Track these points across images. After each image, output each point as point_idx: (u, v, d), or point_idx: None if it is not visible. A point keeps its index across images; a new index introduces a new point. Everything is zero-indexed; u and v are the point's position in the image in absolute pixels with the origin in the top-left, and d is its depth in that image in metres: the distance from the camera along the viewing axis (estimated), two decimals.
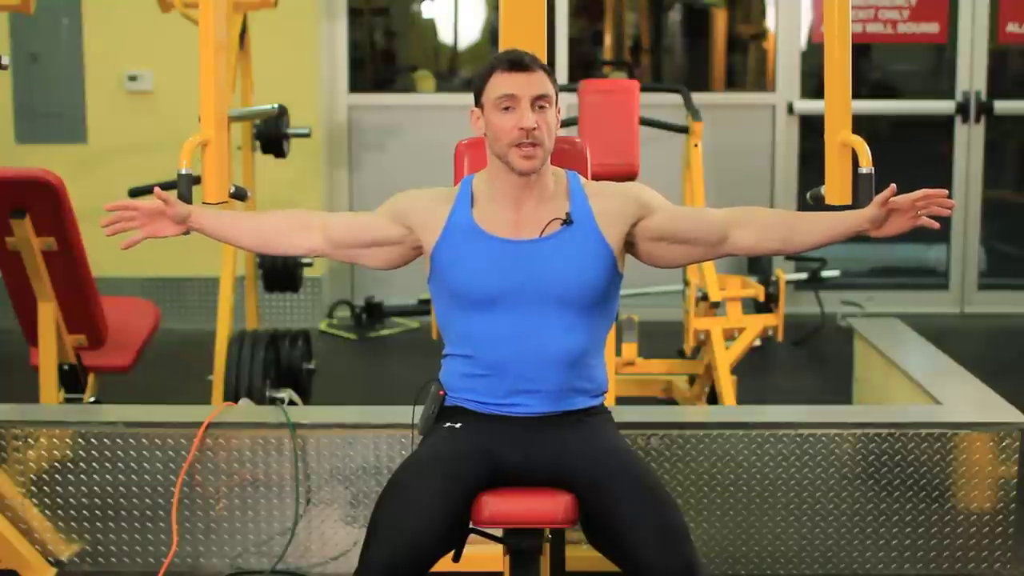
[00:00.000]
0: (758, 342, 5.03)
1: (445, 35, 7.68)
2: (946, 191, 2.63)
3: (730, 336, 4.77)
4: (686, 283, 4.85)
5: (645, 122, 4.63)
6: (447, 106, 7.00)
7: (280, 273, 5.17)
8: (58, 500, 3.61)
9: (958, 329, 6.76)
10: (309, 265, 5.30)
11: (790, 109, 6.96)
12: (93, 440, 3.59)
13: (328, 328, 6.69)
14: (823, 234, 2.66)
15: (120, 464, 3.59)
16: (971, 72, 6.95)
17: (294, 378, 4.76)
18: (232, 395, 4.41)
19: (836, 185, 2.99)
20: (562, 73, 6.87)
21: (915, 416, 3.66)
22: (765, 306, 5.22)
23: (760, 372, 5.68)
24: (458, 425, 2.65)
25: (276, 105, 4.68)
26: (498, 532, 2.61)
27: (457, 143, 2.97)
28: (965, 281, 7.10)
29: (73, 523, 3.62)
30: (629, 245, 2.72)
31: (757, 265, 6.42)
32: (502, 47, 3.05)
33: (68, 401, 4.13)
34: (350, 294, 6.99)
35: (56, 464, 3.60)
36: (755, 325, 4.83)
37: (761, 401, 4.88)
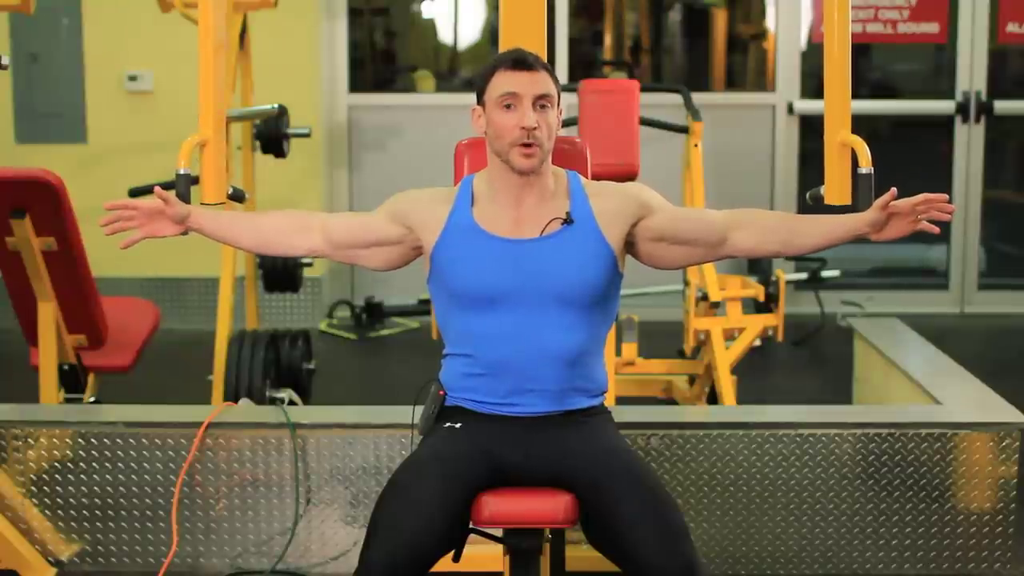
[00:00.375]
0: (758, 342, 5.03)
1: (445, 35, 7.68)
2: (946, 196, 2.62)
3: (730, 336, 4.77)
4: (686, 283, 4.85)
5: (645, 122, 4.63)
6: (447, 106, 7.00)
7: (280, 273, 5.17)
8: (58, 500, 3.61)
9: (958, 329, 6.76)
10: (309, 265, 5.30)
11: (790, 109, 6.97)
12: (93, 440, 3.59)
13: (328, 328, 6.69)
14: (823, 237, 2.66)
15: (120, 464, 3.59)
16: (971, 72, 6.96)
17: (294, 378, 4.76)
18: (232, 395, 4.41)
19: (835, 185, 2.99)
20: (562, 73, 6.87)
21: (915, 416, 3.66)
22: (765, 306, 5.23)
23: (760, 372, 5.68)
24: (458, 425, 2.65)
25: (276, 105, 4.68)
26: (498, 532, 2.61)
27: (457, 143, 2.97)
28: (965, 281, 7.10)
29: (73, 523, 3.62)
30: (629, 245, 2.72)
31: (757, 265, 6.42)
32: (502, 47, 3.05)
33: (68, 401, 4.13)
34: (350, 294, 6.99)
35: (56, 464, 3.60)
36: (755, 325, 4.83)
37: (761, 401, 4.87)
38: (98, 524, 3.62)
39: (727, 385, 4.51)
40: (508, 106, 2.61)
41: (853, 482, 3.59)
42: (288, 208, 2.87)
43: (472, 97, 2.72)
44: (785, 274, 5.32)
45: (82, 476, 3.60)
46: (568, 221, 2.66)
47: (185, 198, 2.91)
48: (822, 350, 6.31)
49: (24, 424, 3.61)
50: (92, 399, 4.19)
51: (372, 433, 3.57)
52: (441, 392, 2.71)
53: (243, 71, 5.14)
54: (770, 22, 7.20)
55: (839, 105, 2.99)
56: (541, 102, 2.61)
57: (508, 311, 2.62)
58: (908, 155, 7.18)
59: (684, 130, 5.02)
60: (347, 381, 5.76)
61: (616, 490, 2.48)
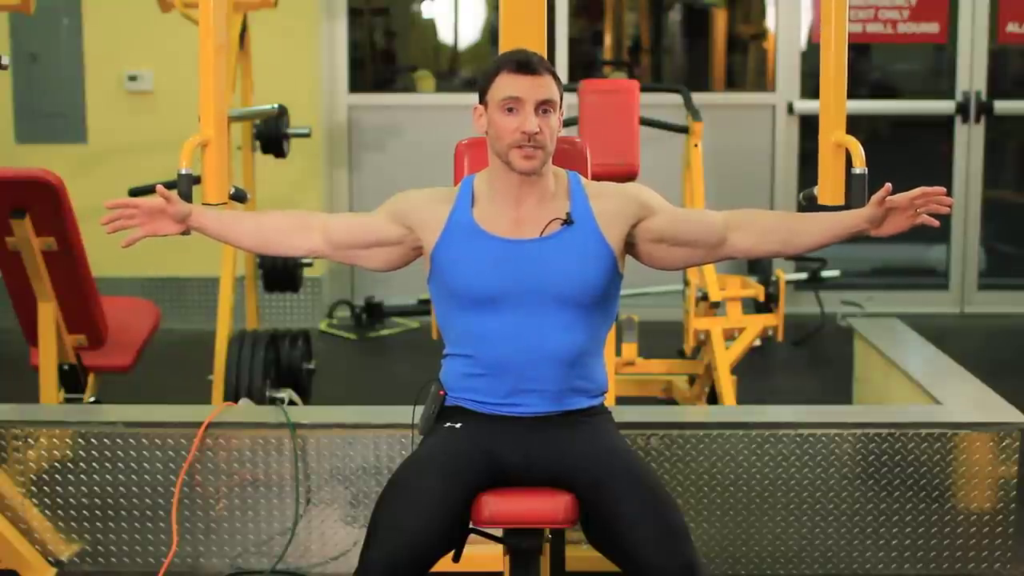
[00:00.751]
0: (758, 342, 5.03)
1: (445, 35, 7.68)
2: (944, 189, 2.62)
3: (730, 336, 4.77)
4: (686, 283, 4.85)
5: (645, 122, 4.63)
6: (447, 106, 7.00)
7: (280, 273, 5.17)
8: (58, 500, 3.61)
9: (958, 329, 6.76)
10: (309, 265, 5.30)
11: (790, 109, 6.97)
12: (93, 440, 3.59)
13: (328, 328, 6.69)
14: (822, 235, 2.66)
15: (120, 464, 3.59)
16: (971, 72, 6.96)
17: (294, 378, 4.76)
18: (232, 395, 4.41)
19: (829, 185, 2.99)
20: (562, 73, 6.87)
21: (915, 416, 3.66)
22: (765, 306, 5.23)
23: (760, 372, 5.68)
24: (458, 425, 2.65)
25: (276, 105, 4.68)
26: (498, 532, 2.61)
27: (457, 143, 2.97)
28: (965, 281, 7.10)
29: (73, 523, 3.62)
30: (629, 246, 2.72)
31: (757, 265, 6.42)
32: (502, 47, 3.05)
33: (68, 401, 4.13)
34: (350, 294, 6.99)
35: (56, 464, 3.60)
36: (755, 325, 4.83)
37: (761, 401, 4.87)
38: (98, 524, 3.62)
39: (727, 385, 4.51)
40: (510, 109, 2.60)
41: (853, 482, 3.59)
42: (288, 208, 2.87)
43: (473, 97, 2.72)
44: (785, 274, 5.32)
45: (82, 476, 3.60)
46: (568, 222, 2.66)
47: (187, 198, 2.91)
48: (822, 350, 6.31)
49: (24, 424, 3.61)
50: (92, 399, 4.19)
51: (372, 433, 3.57)
52: (441, 392, 2.71)
53: (243, 71, 5.14)
54: (770, 22, 7.20)
55: (834, 105, 3.00)
56: (543, 107, 2.61)
57: (508, 311, 2.62)
58: (908, 155, 7.18)
59: (684, 130, 5.02)
60: (347, 381, 5.76)
61: (616, 490, 2.48)
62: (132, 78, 6.63)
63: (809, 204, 3.01)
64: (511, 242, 2.65)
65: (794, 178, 6.99)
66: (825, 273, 6.62)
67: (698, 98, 5.21)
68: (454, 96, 7.18)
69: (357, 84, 7.02)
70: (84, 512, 3.62)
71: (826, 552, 3.60)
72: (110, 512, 3.61)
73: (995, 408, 3.72)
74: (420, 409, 2.75)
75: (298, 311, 6.68)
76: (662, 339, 5.66)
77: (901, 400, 4.19)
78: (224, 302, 4.66)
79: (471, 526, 2.56)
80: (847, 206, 2.93)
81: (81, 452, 3.59)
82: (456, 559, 2.59)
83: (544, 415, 2.65)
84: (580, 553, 3.10)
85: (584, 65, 7.43)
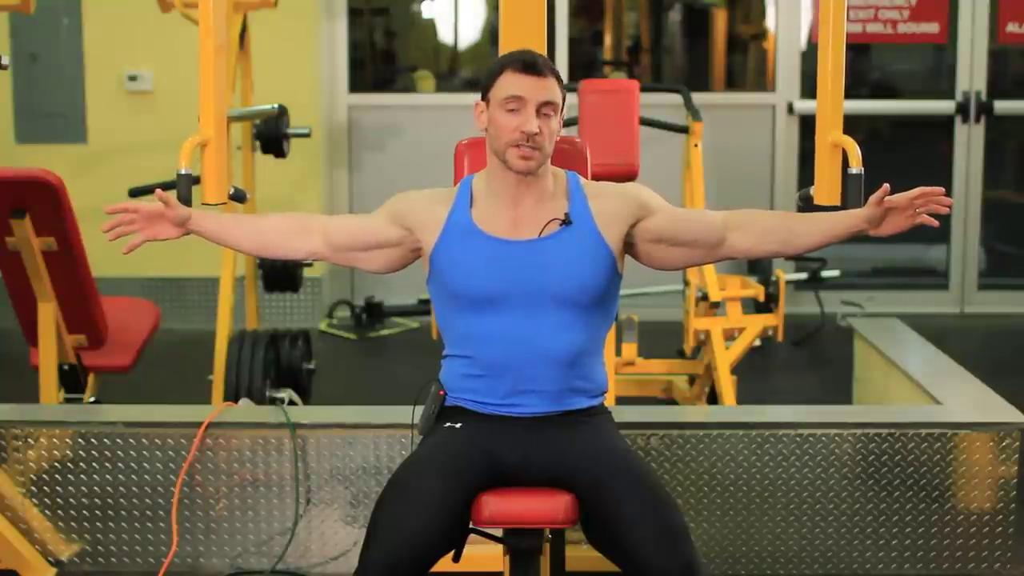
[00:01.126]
0: (758, 342, 5.03)
1: (445, 35, 7.68)
2: (943, 189, 2.62)
3: (730, 336, 4.77)
4: (686, 283, 4.86)
5: (645, 122, 4.63)
6: (447, 106, 7.00)
7: (280, 273, 5.17)
8: (58, 500, 3.61)
9: (958, 329, 6.76)
10: (309, 265, 5.30)
11: (790, 109, 6.97)
12: (93, 440, 3.59)
13: (328, 328, 6.69)
14: (821, 235, 2.66)
15: (120, 464, 3.59)
16: (971, 72, 6.96)
17: (294, 378, 4.76)
18: (232, 395, 4.41)
19: (826, 185, 2.99)
20: (562, 73, 6.87)
21: (915, 416, 3.66)
22: (765, 306, 5.23)
23: (760, 372, 5.68)
24: (458, 425, 2.65)
25: (276, 105, 4.68)
26: (498, 532, 2.61)
27: (457, 143, 2.97)
28: (965, 281, 7.10)
29: (73, 523, 3.62)
30: (628, 246, 2.72)
31: (757, 265, 6.42)
32: (502, 47, 3.05)
33: (68, 401, 4.13)
34: (350, 294, 6.99)
35: (56, 464, 3.60)
36: (755, 325, 4.83)
37: (761, 401, 4.87)
38: (98, 524, 3.62)
39: (727, 385, 4.51)
40: (512, 109, 2.60)
41: (853, 482, 3.59)
42: (288, 208, 2.87)
43: (473, 97, 2.71)
44: (785, 274, 5.32)
45: (82, 476, 3.60)
46: (566, 222, 2.66)
47: (187, 199, 2.91)
48: (822, 350, 6.31)
49: (24, 424, 3.61)
50: (92, 399, 4.19)
51: (372, 433, 3.57)
52: (441, 392, 2.71)
53: (243, 71, 5.14)
54: (770, 22, 7.20)
55: (831, 106, 3.00)
56: (545, 109, 2.61)
57: (507, 312, 2.62)
58: (908, 155, 7.17)
59: (684, 130, 5.02)
60: (347, 381, 5.76)
61: (616, 490, 2.48)
62: (132, 78, 6.63)
63: (805, 204, 3.01)
64: (509, 242, 2.65)
65: (794, 178, 6.99)
66: (825, 273, 6.63)
67: (698, 98, 5.21)
68: (454, 96, 7.18)
69: (357, 84, 7.02)
70: (84, 512, 3.62)
71: (826, 552, 3.60)
72: (110, 512, 3.61)
73: (995, 408, 3.72)
74: (420, 409, 2.75)
75: (298, 311, 6.68)
76: (662, 339, 5.66)
77: (901, 400, 4.19)
78: (224, 302, 4.66)
79: (471, 526, 2.56)
80: (843, 206, 2.93)
81: (81, 452, 3.59)
82: (456, 559, 2.59)
83: (544, 415, 2.65)
84: (580, 553, 3.10)
85: (584, 65, 7.43)
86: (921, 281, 7.32)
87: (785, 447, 3.58)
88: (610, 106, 4.13)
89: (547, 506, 2.54)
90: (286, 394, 4.47)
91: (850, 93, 3.07)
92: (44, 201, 3.73)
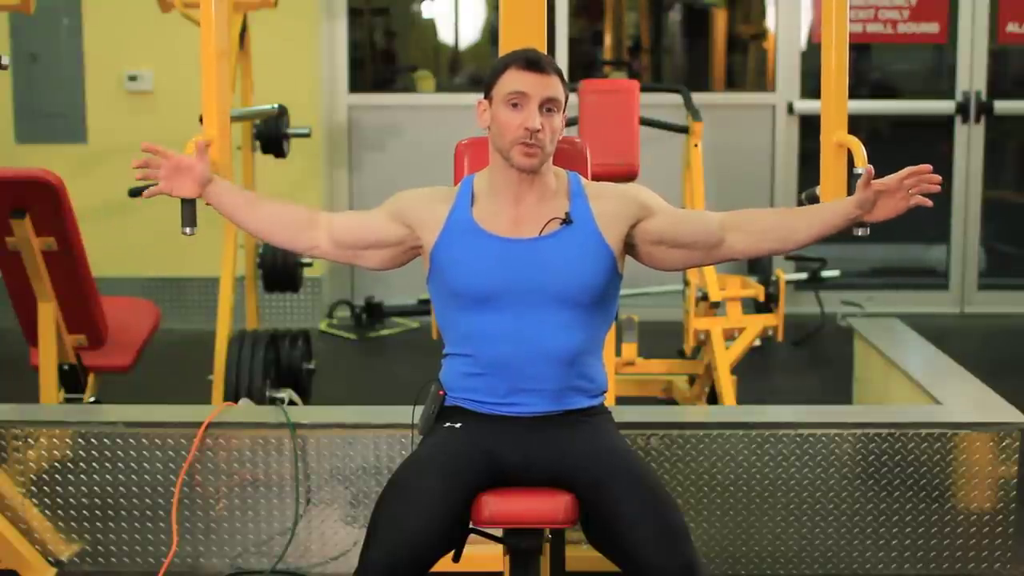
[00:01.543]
0: (758, 342, 5.02)
1: (445, 35, 7.68)
2: (930, 166, 2.61)
3: (730, 336, 4.77)
4: (686, 283, 4.86)
5: (645, 122, 4.63)
6: (447, 106, 7.00)
7: (280, 273, 5.17)
8: (58, 500, 3.61)
9: (958, 329, 6.76)
10: (309, 265, 5.30)
11: (790, 109, 6.97)
12: (93, 440, 3.59)
13: (328, 328, 6.69)
14: (820, 227, 2.66)
15: (120, 464, 3.59)
16: (971, 72, 6.96)
17: (294, 378, 4.76)
18: (232, 395, 4.41)
19: (831, 185, 3.00)
20: None
21: (915, 416, 3.66)
22: (765, 306, 5.23)
23: (760, 372, 5.68)
24: (458, 425, 2.65)
25: (276, 105, 4.68)
26: (498, 532, 2.61)
27: (457, 143, 2.97)
28: (965, 281, 7.10)
29: (73, 523, 3.62)
30: (629, 247, 2.72)
31: (757, 265, 6.42)
32: (502, 47, 3.05)
33: (68, 401, 4.13)
34: (350, 294, 6.99)
35: (56, 464, 3.60)
36: (755, 325, 4.83)
37: (761, 401, 4.88)
38: (98, 524, 3.62)
39: (727, 385, 4.51)
40: (515, 105, 2.61)
41: (853, 482, 3.59)
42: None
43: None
44: (785, 274, 5.32)
45: (82, 476, 3.60)
46: (567, 221, 2.66)
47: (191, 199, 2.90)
48: (822, 350, 6.31)
49: (24, 424, 3.61)
50: (92, 399, 4.19)
51: (372, 433, 3.57)
52: (441, 392, 2.71)
53: (243, 71, 5.14)
54: (770, 22, 7.20)
55: (836, 105, 3.00)
56: (548, 105, 2.61)
57: (506, 310, 2.63)
58: (908, 155, 7.12)
59: (684, 130, 5.02)
60: (347, 381, 5.77)
61: (616, 490, 2.48)
62: (132, 78, 6.63)
63: (811, 204, 3.01)
64: (510, 241, 2.65)
65: (794, 178, 6.99)
66: (825, 273, 6.62)
67: (698, 98, 5.21)
68: (454, 96, 7.18)
69: (357, 84, 7.03)
70: (84, 512, 3.62)
71: (826, 552, 3.60)
72: (110, 512, 3.61)
73: (995, 408, 3.72)
74: (420, 409, 2.75)
75: (298, 311, 6.68)
76: (662, 339, 5.66)
77: (901, 400, 4.19)
78: (224, 302, 4.66)
79: (471, 526, 2.56)
80: None
81: (81, 452, 3.59)
82: (456, 559, 2.59)
83: (544, 415, 2.65)
84: (580, 553, 3.10)
85: (584, 65, 7.43)
86: (921, 281, 7.32)
87: (785, 447, 3.58)
88: (610, 106, 4.13)
89: (547, 506, 2.54)
90: (286, 394, 4.47)
91: (850, 93, 3.07)
92: (44, 201, 3.73)
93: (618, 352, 4.69)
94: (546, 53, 2.90)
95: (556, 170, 2.73)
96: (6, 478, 3.58)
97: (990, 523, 3.59)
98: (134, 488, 3.60)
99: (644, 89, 4.39)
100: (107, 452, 3.59)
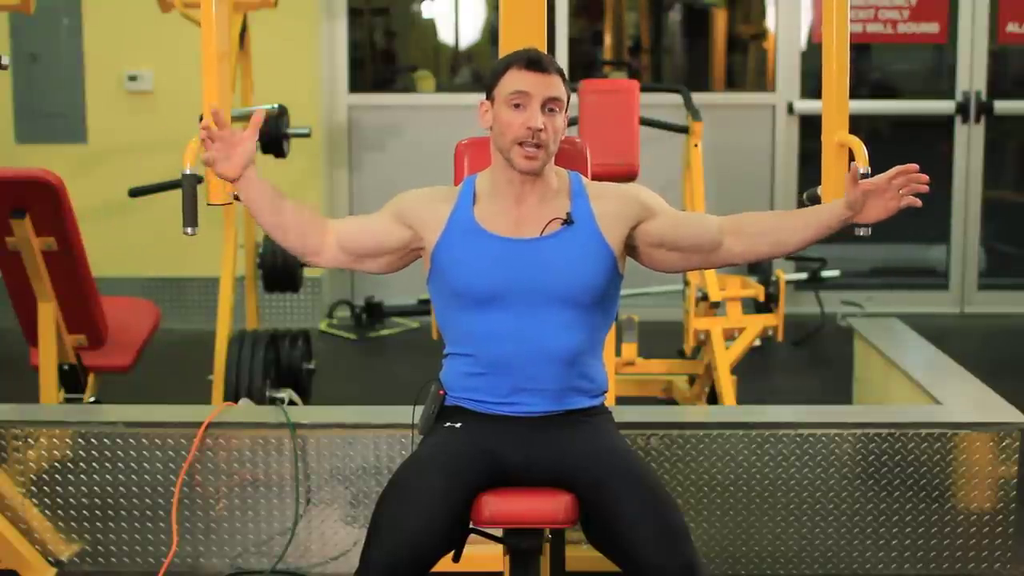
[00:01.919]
0: (758, 342, 5.03)
1: (445, 35, 7.68)
2: (917, 166, 2.59)
3: (730, 336, 4.77)
4: (686, 283, 4.86)
5: (645, 122, 4.63)
6: (447, 106, 7.00)
7: (280, 273, 5.17)
8: (58, 500, 3.61)
9: (958, 329, 6.76)
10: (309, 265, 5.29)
11: (790, 109, 6.97)
12: (93, 440, 3.59)
13: (328, 328, 6.69)
14: (815, 229, 2.65)
15: (120, 464, 3.59)
16: (971, 72, 6.96)
17: (294, 378, 4.76)
18: (232, 395, 4.41)
19: (832, 185, 3.00)
20: None
21: (915, 416, 3.66)
22: (765, 306, 5.23)
23: (760, 372, 5.68)
24: (458, 425, 2.65)
25: (276, 105, 4.68)
26: (498, 532, 2.61)
27: (457, 143, 2.97)
28: (965, 281, 7.10)
29: (73, 523, 3.62)
30: (630, 248, 2.72)
31: (757, 265, 6.42)
32: (502, 47, 3.05)
33: (68, 401, 4.13)
34: (350, 294, 6.99)
35: (56, 464, 3.60)
36: (755, 325, 4.83)
37: (761, 401, 4.87)
38: (98, 524, 3.62)
39: (727, 385, 4.51)
40: (517, 104, 2.60)
41: (853, 482, 3.59)
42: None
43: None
44: (785, 274, 5.32)
45: (82, 476, 3.60)
46: (568, 221, 2.66)
47: (192, 198, 2.90)
48: (822, 350, 6.31)
49: (24, 424, 3.61)
50: (92, 399, 4.19)
51: (372, 433, 3.57)
52: (441, 392, 2.71)
53: (243, 71, 5.14)
54: (770, 22, 7.20)
55: (837, 105, 3.00)
56: (550, 105, 2.61)
57: (507, 310, 2.63)
58: (908, 155, 7.08)
59: (684, 130, 5.02)
60: (347, 381, 5.76)
61: (616, 490, 2.48)
62: (132, 78, 6.63)
63: (813, 204, 3.01)
64: (511, 241, 2.65)
65: (794, 178, 6.99)
66: (825, 273, 6.63)
67: (698, 98, 5.21)
68: (454, 96, 7.18)
69: (357, 84, 7.02)
70: (84, 512, 3.62)
71: (826, 552, 3.60)
72: (110, 512, 3.61)
73: (995, 408, 3.72)
74: (420, 409, 2.75)
75: (298, 311, 6.68)
76: (662, 339, 5.66)
77: (901, 400, 4.19)
78: (224, 302, 4.66)
79: (471, 526, 2.56)
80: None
81: (81, 452, 3.59)
82: (456, 559, 2.59)
83: (544, 415, 2.65)
84: (580, 553, 3.10)
85: (584, 65, 7.43)
86: (921, 281, 7.32)
87: (785, 447, 3.58)
88: (610, 106, 4.13)
89: (547, 506, 2.54)
90: (286, 394, 4.47)
91: (851, 93, 3.07)
92: (44, 201, 3.73)
93: (618, 352, 4.69)
94: (545, 53, 2.90)
95: (558, 170, 2.73)
96: (6, 478, 3.58)
97: (990, 523, 3.59)
98: (134, 488, 3.60)
99: (644, 89, 4.39)
100: (107, 452, 3.59)
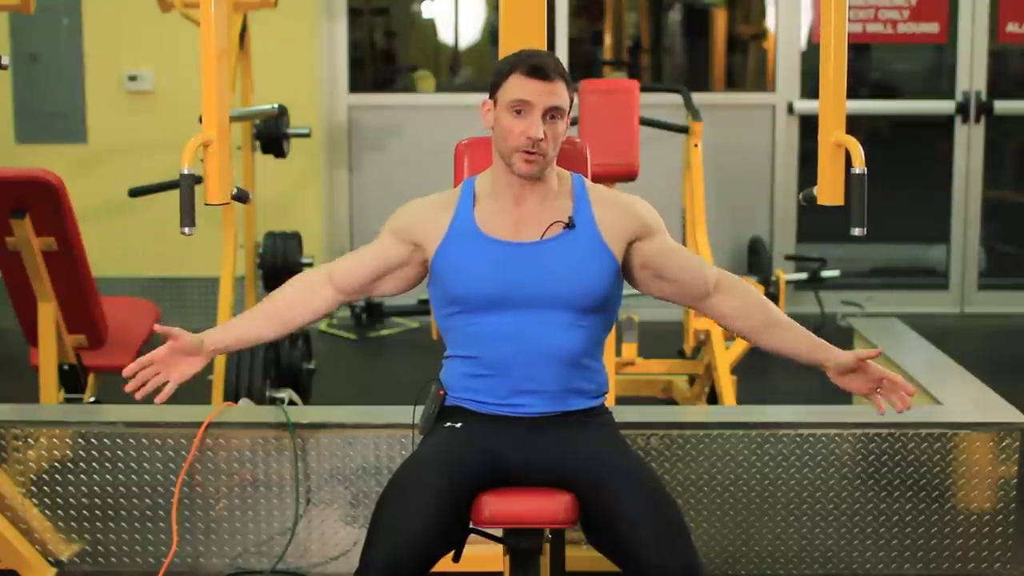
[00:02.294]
0: None
1: (445, 35, 7.68)
2: (913, 388, 2.65)
3: (730, 336, 4.76)
4: None
5: (645, 122, 4.63)
6: (447, 106, 7.00)
7: (280, 273, 5.15)
8: (58, 500, 3.61)
9: (958, 329, 6.76)
10: (309, 265, 5.29)
11: (790, 109, 6.97)
12: (93, 440, 3.59)
13: (328, 328, 6.69)
14: (790, 349, 2.70)
15: (120, 464, 3.59)
16: (971, 72, 6.96)
17: (294, 378, 4.76)
18: (232, 395, 4.41)
19: (828, 185, 2.99)
20: None
21: (915, 416, 3.66)
22: None
23: (760, 372, 5.68)
24: (458, 425, 2.65)
25: (276, 105, 4.68)
26: (498, 532, 2.61)
27: (457, 143, 2.97)
28: (965, 281, 7.10)
29: (73, 523, 3.62)
30: (624, 262, 2.71)
31: (757, 265, 6.42)
32: (502, 47, 3.05)
33: (68, 401, 4.13)
34: None
35: (56, 464, 3.60)
36: None
37: (761, 401, 4.87)
38: (98, 524, 3.62)
39: (727, 385, 4.51)
40: (518, 112, 2.60)
41: (853, 482, 3.59)
42: (288, 210, 2.86)
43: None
44: (785, 274, 5.32)
45: (82, 476, 3.60)
46: (570, 225, 2.66)
47: (190, 198, 2.91)
48: None
49: (24, 424, 3.61)
50: (92, 399, 4.19)
51: (372, 433, 3.57)
52: (441, 392, 2.71)
53: (243, 71, 5.14)
54: (770, 22, 7.20)
55: (834, 105, 2.99)
56: (552, 113, 2.60)
57: (508, 312, 2.62)
58: (908, 155, 7.17)
59: (684, 130, 5.02)
60: (347, 381, 5.76)
61: (616, 490, 2.48)
62: (132, 78, 6.63)
63: (809, 204, 3.01)
64: (511, 245, 2.65)
65: (794, 178, 6.99)
66: (825, 273, 6.62)
67: (698, 98, 5.21)
68: (454, 96, 7.18)
69: (357, 84, 7.02)
70: (84, 512, 3.62)
71: (826, 552, 3.60)
72: (110, 512, 3.61)
73: (995, 408, 3.72)
74: (420, 409, 2.75)
75: None
76: (662, 339, 5.66)
77: None
78: (224, 302, 4.66)
79: (471, 526, 2.56)
80: (846, 206, 2.92)
81: (81, 452, 3.59)
82: (456, 559, 2.59)
83: (545, 415, 2.65)
84: (580, 553, 3.10)
85: (584, 65, 7.43)
86: (921, 281, 7.32)
87: (785, 447, 3.58)
88: (610, 106, 4.12)
89: (547, 506, 2.54)
90: (286, 394, 4.47)
91: (850, 93, 3.06)
92: (44, 201, 3.73)
93: (618, 352, 4.69)
94: (551, 53, 2.90)
95: (559, 171, 2.73)
96: (6, 478, 3.58)
97: (990, 523, 3.59)
98: (134, 488, 3.60)
99: (644, 89, 4.39)
100: (107, 452, 3.59)
